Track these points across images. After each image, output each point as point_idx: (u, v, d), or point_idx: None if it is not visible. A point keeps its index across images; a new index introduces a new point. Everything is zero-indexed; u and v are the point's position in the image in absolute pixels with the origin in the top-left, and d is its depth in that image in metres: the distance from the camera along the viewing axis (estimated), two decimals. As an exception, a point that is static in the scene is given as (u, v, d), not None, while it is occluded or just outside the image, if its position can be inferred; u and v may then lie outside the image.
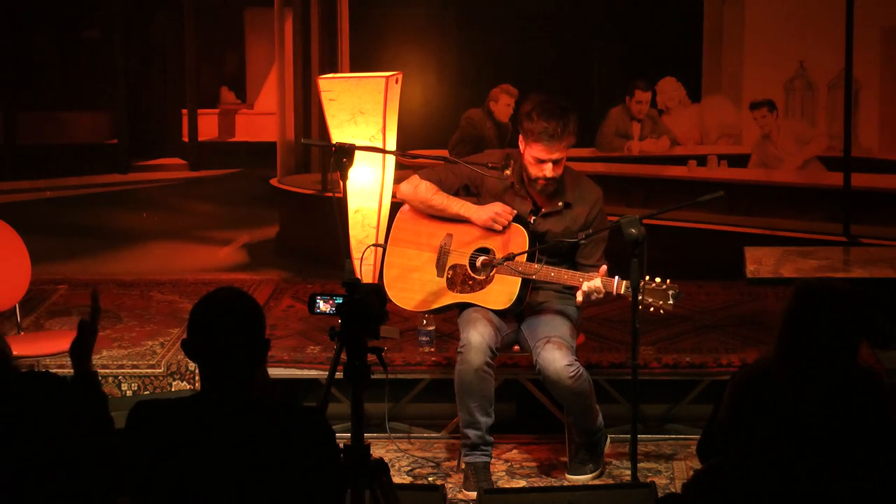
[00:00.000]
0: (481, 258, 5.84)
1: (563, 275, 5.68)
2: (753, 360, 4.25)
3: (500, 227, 5.79)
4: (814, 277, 4.76)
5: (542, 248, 5.76)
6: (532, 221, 5.82)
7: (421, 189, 5.91)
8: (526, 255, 5.73)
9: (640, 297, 5.27)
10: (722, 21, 9.24)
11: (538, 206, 5.84)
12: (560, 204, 5.82)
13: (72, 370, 3.78)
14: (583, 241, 5.69)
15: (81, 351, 3.79)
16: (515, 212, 5.78)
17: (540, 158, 5.69)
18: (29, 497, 3.53)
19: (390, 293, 5.91)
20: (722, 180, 8.74)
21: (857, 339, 3.88)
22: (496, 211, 5.78)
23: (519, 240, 5.77)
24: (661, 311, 5.51)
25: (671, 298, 5.46)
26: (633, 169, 9.20)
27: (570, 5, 9.32)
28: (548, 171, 5.70)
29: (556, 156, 5.69)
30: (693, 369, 6.44)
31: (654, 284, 5.47)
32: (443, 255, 5.93)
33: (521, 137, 5.77)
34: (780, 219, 8.72)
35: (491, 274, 5.82)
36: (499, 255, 5.79)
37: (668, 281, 5.49)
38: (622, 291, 5.52)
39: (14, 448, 3.54)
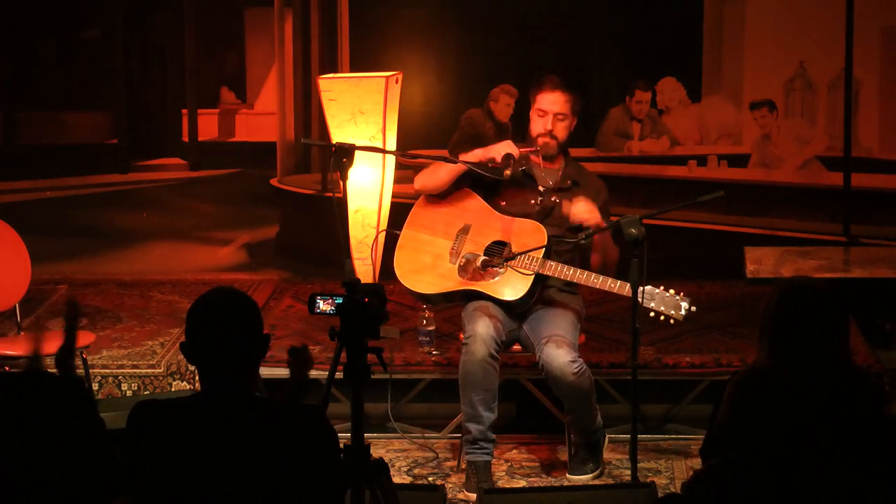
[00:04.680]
0: (484, 257, 5.84)
1: (581, 275, 5.70)
2: (753, 360, 4.25)
3: (497, 159, 5.79)
4: (794, 277, 4.79)
5: (550, 245, 5.76)
6: (543, 192, 5.86)
7: (434, 171, 5.95)
8: (542, 250, 5.73)
9: (651, 305, 5.37)
10: (722, 21, 9.23)
11: (545, 189, 5.88)
12: (569, 182, 5.86)
13: (75, 371, 3.78)
14: (583, 242, 5.69)
15: (69, 357, 3.80)
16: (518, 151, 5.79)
17: (543, 109, 5.81)
18: (23, 497, 3.52)
19: (398, 272, 5.92)
20: (722, 180, 8.73)
21: (843, 332, 3.90)
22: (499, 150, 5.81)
23: (538, 236, 5.78)
24: (672, 322, 5.58)
25: (682, 310, 5.53)
26: (633, 169, 9.19)
27: (570, 5, 9.32)
28: (548, 123, 5.81)
29: (557, 108, 5.81)
30: (693, 369, 6.44)
31: (668, 295, 5.54)
32: (458, 242, 5.93)
33: (531, 108, 5.89)
34: (780, 219, 8.72)
35: (503, 269, 5.82)
36: (515, 250, 5.79)
37: (681, 293, 5.55)
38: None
39: (10, 448, 3.53)
